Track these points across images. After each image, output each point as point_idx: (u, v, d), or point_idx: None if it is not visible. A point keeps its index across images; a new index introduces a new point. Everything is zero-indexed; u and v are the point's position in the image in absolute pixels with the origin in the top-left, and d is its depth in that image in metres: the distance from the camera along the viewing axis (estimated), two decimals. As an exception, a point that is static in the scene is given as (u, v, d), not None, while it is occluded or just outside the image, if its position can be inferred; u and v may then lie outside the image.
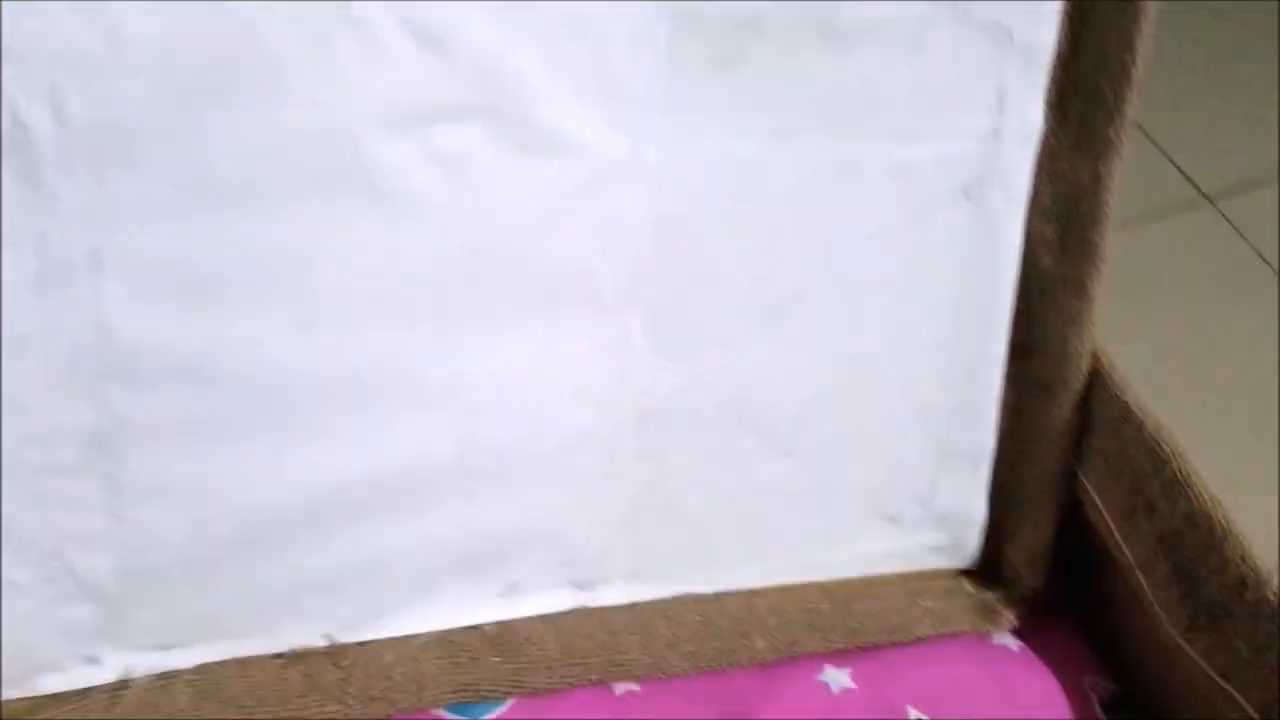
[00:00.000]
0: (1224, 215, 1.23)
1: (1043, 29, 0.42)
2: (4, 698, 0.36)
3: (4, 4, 0.30)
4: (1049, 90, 0.43)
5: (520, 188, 0.37)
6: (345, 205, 0.35)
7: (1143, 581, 0.43)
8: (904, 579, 0.47)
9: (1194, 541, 0.41)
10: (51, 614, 0.36)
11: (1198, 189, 1.30)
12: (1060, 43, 0.43)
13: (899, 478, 0.46)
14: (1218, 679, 0.40)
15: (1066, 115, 0.43)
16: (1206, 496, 0.41)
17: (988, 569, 0.48)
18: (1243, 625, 0.39)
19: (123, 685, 0.37)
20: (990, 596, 0.47)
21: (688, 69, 0.38)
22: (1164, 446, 0.42)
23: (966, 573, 0.48)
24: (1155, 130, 1.32)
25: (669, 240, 0.40)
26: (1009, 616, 0.46)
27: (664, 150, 0.39)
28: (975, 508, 0.47)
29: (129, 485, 0.35)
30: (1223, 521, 0.40)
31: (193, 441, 0.35)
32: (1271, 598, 0.39)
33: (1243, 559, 0.40)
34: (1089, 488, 0.45)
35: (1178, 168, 1.24)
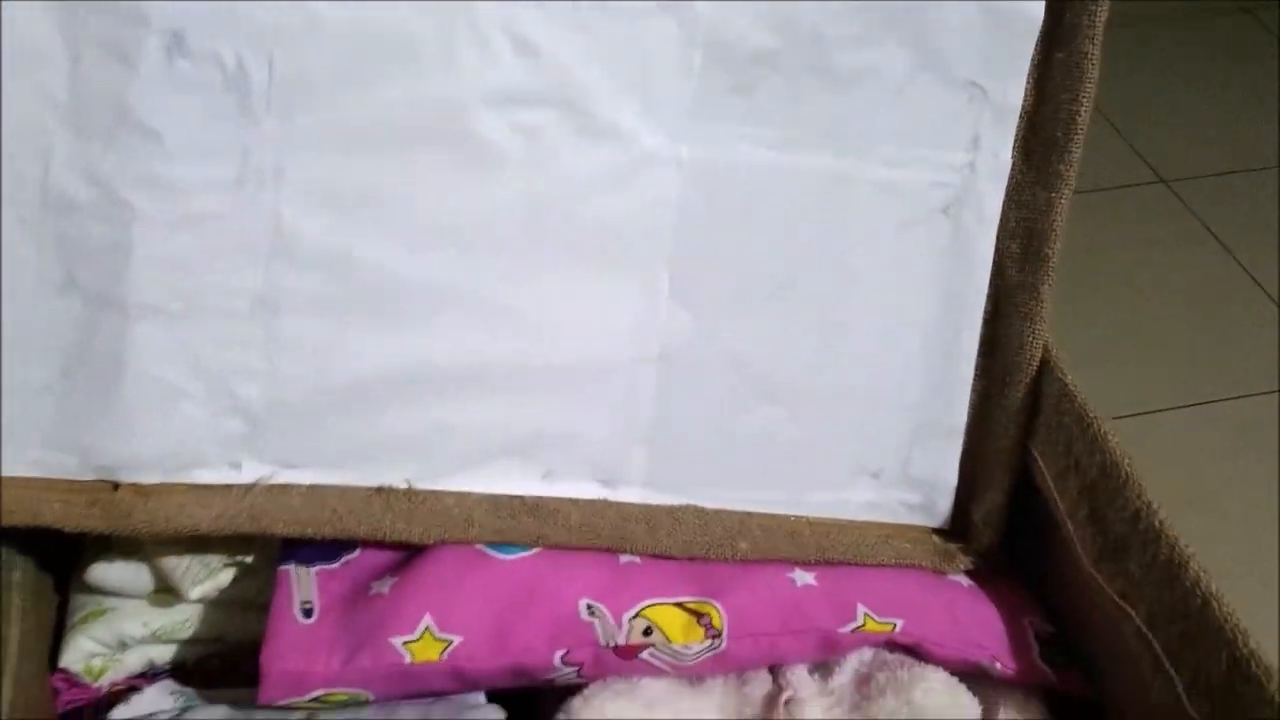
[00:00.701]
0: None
1: (1011, 89, 0.54)
2: (164, 481, 0.49)
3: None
4: (1016, 134, 0.54)
5: (580, 162, 0.50)
6: (449, 157, 0.49)
7: (1070, 528, 0.51)
8: (880, 526, 0.56)
9: (1105, 487, 0.49)
10: (212, 423, 0.49)
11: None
12: (1026, 98, 0.54)
13: (881, 441, 0.56)
14: (1118, 599, 0.47)
15: (1029, 155, 0.54)
16: (1118, 450, 0.49)
17: (953, 527, 0.56)
18: (1136, 551, 0.47)
19: (252, 486, 0.50)
20: (952, 546, 0.55)
21: (715, 89, 0.51)
22: (1089, 413, 0.51)
23: (935, 530, 0.57)
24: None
25: (694, 218, 0.52)
26: (965, 560, 0.54)
27: (693, 148, 0.51)
28: (947, 475, 0.56)
29: (279, 337, 0.49)
30: (1127, 468, 0.48)
31: (326, 312, 0.49)
32: (1157, 525, 0.46)
33: (1138, 496, 0.48)
34: (1036, 455, 0.54)
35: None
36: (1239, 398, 1.22)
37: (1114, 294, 1.31)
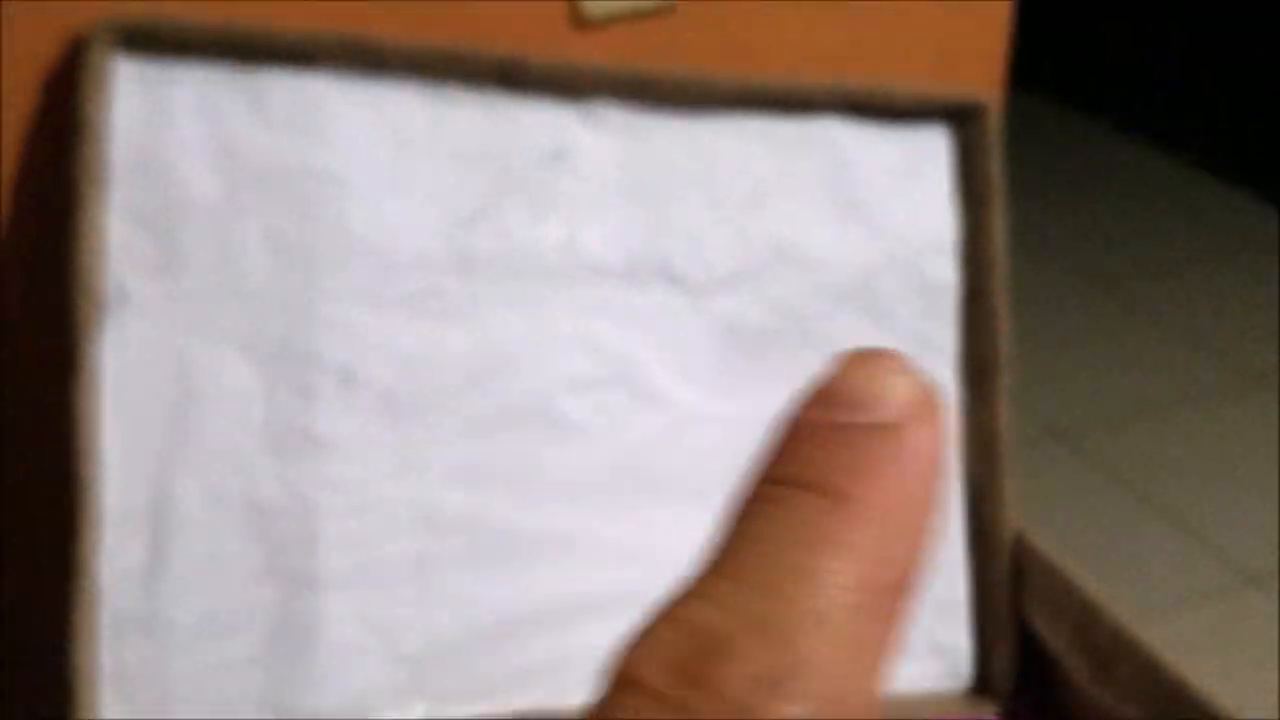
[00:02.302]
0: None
1: (944, 337, 0.75)
2: (350, 729, 0.62)
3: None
4: (956, 369, 0.75)
5: (645, 424, 0.69)
6: (549, 434, 0.67)
7: (1068, 660, 0.67)
8: (922, 692, 0.71)
9: (1087, 619, 0.66)
10: (385, 672, 0.63)
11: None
12: (958, 342, 0.75)
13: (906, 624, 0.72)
14: (1116, 704, 0.64)
15: (969, 383, 0.74)
16: (1088, 588, 0.67)
17: (976, 683, 0.72)
18: (1122, 661, 0.64)
19: (419, 725, 0.63)
20: (980, 699, 0.71)
21: (732, 357, 0.71)
22: (1062, 567, 0.69)
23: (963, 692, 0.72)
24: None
25: (733, 457, 0.70)
26: (992, 707, 0.70)
27: (724, 404, 0.70)
28: (961, 642, 0.73)
29: (432, 593, 0.64)
30: (1099, 601, 0.66)
31: (467, 568, 0.65)
32: (1132, 637, 0.64)
33: (1112, 619, 0.65)
34: (1029, 614, 0.71)
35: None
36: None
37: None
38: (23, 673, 0.65)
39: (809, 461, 0.17)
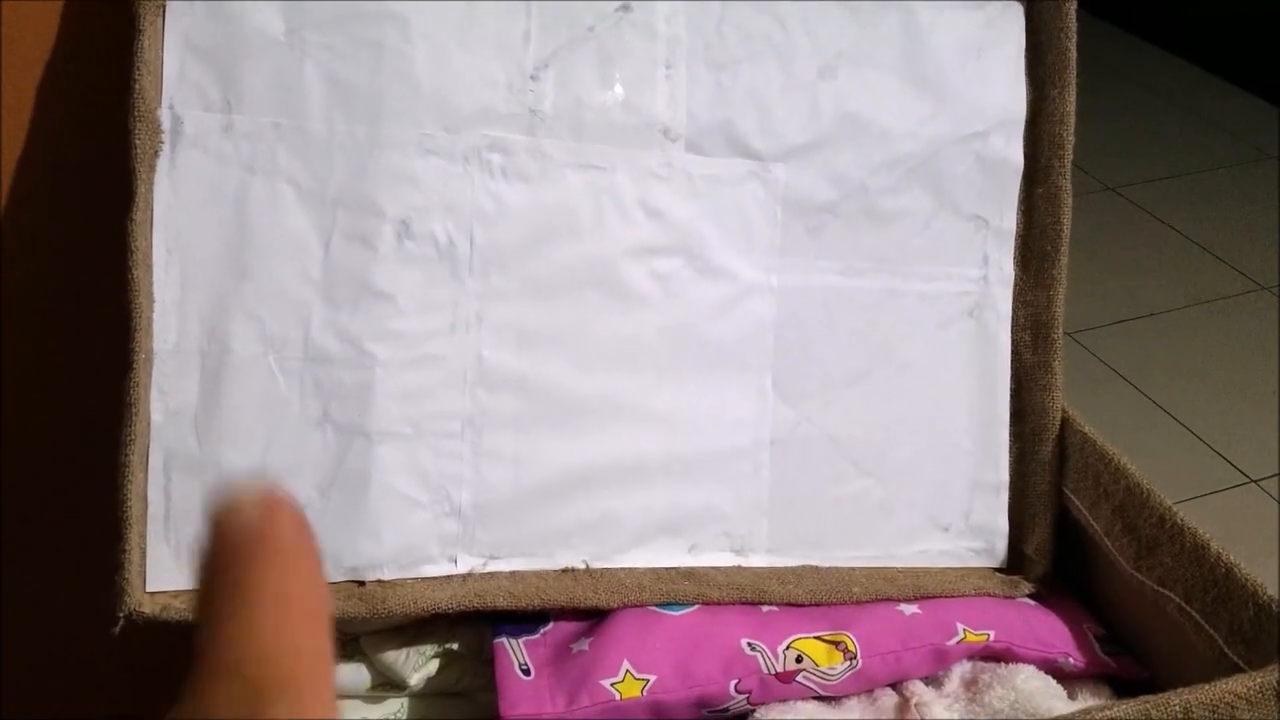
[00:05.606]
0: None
1: (1006, 218, 0.72)
2: (400, 577, 0.61)
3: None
4: (1015, 251, 0.72)
5: (700, 295, 0.67)
6: (605, 299, 0.65)
7: (1108, 543, 0.66)
8: (956, 569, 0.70)
9: (1133, 503, 0.65)
10: (435, 524, 0.62)
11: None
12: (1018, 224, 0.72)
13: (946, 499, 0.71)
14: (1158, 587, 0.63)
15: (1027, 266, 0.72)
16: (1135, 472, 0.65)
17: (1011, 563, 0.71)
18: (1166, 546, 0.63)
19: (468, 576, 0.62)
20: (1015, 577, 0.70)
21: (793, 232, 0.68)
22: (1110, 451, 0.67)
23: (997, 569, 0.71)
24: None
25: (786, 331, 0.68)
26: (1027, 587, 0.69)
27: (781, 278, 0.68)
28: (1000, 522, 0.72)
29: (483, 450, 0.63)
30: (1146, 484, 0.65)
31: (518, 427, 0.63)
32: (1180, 521, 0.62)
33: (1160, 503, 0.63)
34: (1069, 495, 0.70)
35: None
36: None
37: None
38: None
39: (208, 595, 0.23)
